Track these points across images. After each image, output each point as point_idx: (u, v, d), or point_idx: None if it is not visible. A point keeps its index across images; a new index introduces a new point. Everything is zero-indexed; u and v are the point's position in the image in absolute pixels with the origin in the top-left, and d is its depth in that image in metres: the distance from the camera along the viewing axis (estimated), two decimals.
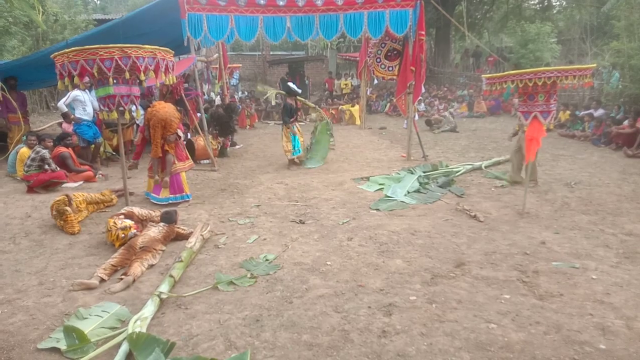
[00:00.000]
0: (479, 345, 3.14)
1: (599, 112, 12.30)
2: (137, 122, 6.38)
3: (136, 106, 5.76)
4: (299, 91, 9.32)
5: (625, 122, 10.60)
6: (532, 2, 24.31)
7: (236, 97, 18.05)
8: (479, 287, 4.00)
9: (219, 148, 10.29)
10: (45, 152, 7.36)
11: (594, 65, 6.41)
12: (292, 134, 9.09)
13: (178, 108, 11.13)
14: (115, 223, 5.01)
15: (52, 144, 7.89)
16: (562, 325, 3.36)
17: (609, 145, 10.59)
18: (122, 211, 5.35)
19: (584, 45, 20.59)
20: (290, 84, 9.48)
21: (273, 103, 8.59)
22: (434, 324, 3.42)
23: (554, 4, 24.40)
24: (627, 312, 3.53)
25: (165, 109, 6.53)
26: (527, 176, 6.26)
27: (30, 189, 7.20)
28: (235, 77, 19.96)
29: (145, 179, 7.02)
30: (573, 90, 15.18)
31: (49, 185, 7.31)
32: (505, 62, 19.90)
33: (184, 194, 6.76)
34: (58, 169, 7.48)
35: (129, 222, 5.09)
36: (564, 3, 24.46)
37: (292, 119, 9.12)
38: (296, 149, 9.19)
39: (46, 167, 7.29)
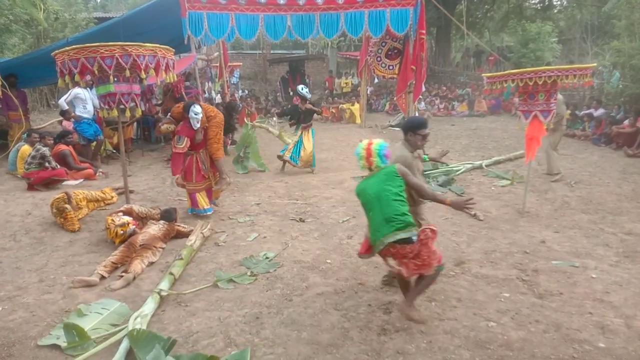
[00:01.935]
0: (479, 343, 3.14)
1: (599, 111, 12.29)
2: (197, 125, 5.64)
3: (137, 104, 5.76)
4: (308, 96, 8.65)
5: (626, 122, 10.60)
6: (533, 2, 24.27)
7: (237, 95, 18.04)
8: (478, 286, 4.00)
9: None
10: (45, 150, 7.36)
11: (594, 64, 6.42)
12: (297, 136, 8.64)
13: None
14: (113, 220, 5.01)
15: (52, 141, 7.89)
16: (562, 323, 3.37)
17: (609, 144, 10.58)
18: (121, 208, 5.36)
19: (584, 44, 20.59)
20: (300, 88, 8.67)
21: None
22: (433, 322, 3.42)
23: (554, 3, 24.36)
24: (626, 310, 3.54)
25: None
26: (528, 174, 6.25)
27: (31, 187, 7.20)
28: (235, 75, 19.96)
29: (147, 178, 6.94)
30: (573, 89, 15.16)
31: (49, 183, 7.31)
32: (506, 61, 19.89)
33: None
34: (58, 166, 7.48)
35: (126, 219, 5.08)
36: (565, 2, 24.42)
37: (295, 121, 8.63)
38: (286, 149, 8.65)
39: (46, 164, 7.29)
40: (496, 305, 3.65)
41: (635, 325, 3.33)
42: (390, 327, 3.35)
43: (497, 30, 25.72)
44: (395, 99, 13.49)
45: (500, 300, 3.75)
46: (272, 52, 26.30)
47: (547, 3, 23.30)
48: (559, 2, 24.55)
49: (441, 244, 4.96)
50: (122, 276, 4.21)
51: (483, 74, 6.99)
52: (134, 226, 5.07)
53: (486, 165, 8.67)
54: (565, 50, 22.20)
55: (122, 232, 4.94)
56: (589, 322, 3.39)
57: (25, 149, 7.78)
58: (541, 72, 5.42)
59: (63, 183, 7.45)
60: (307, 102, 8.52)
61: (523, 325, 3.36)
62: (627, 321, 3.39)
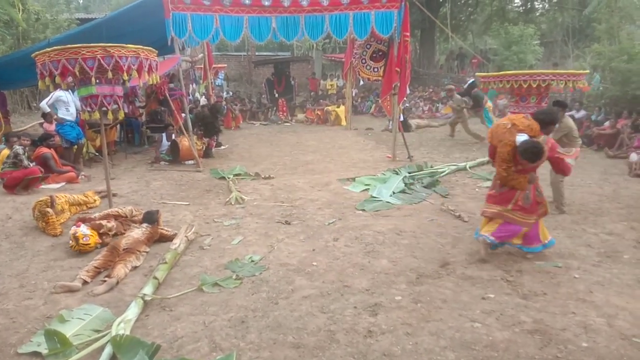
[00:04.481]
0: (464, 344, 3.16)
1: (581, 113, 12.48)
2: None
3: (119, 106, 5.69)
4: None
5: (607, 123, 10.78)
6: (516, 5, 24.65)
7: (222, 96, 17.93)
8: (463, 287, 4.03)
9: (204, 148, 10.21)
10: (18, 149, 7.19)
11: (587, 71, 6.50)
12: None
13: (162, 108, 11.12)
14: (76, 240, 4.79)
15: (29, 142, 7.76)
16: (546, 324, 3.39)
17: (590, 146, 10.74)
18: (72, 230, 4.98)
19: (566, 47, 20.94)
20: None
21: None
22: (419, 323, 3.43)
23: (536, 6, 24.75)
24: (608, 310, 3.59)
25: None
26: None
27: (8, 188, 7.02)
28: (220, 77, 19.84)
29: (130, 181, 6.86)
30: (554, 91, 15.39)
31: (28, 186, 7.15)
32: (489, 63, 20.11)
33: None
34: (31, 165, 7.29)
35: (80, 231, 4.84)
36: (547, 6, 24.82)
37: None
38: None
39: (19, 163, 7.12)
40: (481, 306, 3.67)
41: (617, 325, 3.37)
42: (377, 330, 3.35)
43: (481, 33, 26.04)
44: (380, 101, 13.55)
45: (485, 301, 3.77)
46: (257, 54, 26.23)
47: (529, 6, 23.65)
48: (540, 5, 24.94)
49: (426, 246, 4.99)
50: (105, 281, 4.14)
51: (477, 74, 7.02)
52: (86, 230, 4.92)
53: (470, 167, 8.74)
54: (547, 53, 22.55)
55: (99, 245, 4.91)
56: (572, 322, 3.42)
57: (5, 152, 7.62)
58: (536, 75, 5.45)
59: (43, 186, 7.32)
60: None
61: (508, 325, 3.38)
62: (609, 320, 3.44)
